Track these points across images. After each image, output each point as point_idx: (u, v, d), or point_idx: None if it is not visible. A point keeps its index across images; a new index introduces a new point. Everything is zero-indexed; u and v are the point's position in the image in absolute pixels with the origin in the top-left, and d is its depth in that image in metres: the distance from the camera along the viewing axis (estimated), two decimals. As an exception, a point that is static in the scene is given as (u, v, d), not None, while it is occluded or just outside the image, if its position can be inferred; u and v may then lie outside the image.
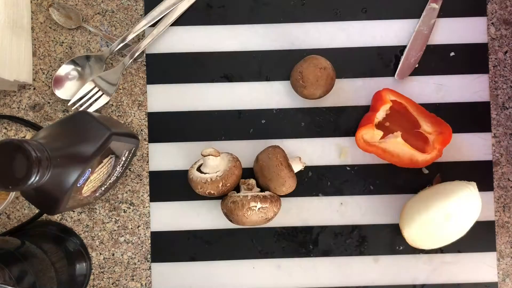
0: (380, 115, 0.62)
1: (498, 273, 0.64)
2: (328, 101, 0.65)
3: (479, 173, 0.64)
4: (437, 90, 0.65)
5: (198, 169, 0.62)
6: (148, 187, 0.65)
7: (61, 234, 0.63)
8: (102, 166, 0.53)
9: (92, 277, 0.64)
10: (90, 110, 0.63)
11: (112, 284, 0.64)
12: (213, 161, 0.60)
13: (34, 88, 0.65)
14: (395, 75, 0.64)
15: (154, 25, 0.65)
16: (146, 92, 0.65)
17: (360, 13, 0.65)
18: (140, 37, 0.65)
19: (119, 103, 0.65)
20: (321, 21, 0.65)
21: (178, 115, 0.65)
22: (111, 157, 0.54)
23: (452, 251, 0.64)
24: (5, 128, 0.65)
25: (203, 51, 0.65)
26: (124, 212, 0.65)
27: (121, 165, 0.59)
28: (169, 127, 0.65)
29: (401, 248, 0.64)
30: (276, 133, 0.65)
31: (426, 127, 0.62)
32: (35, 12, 0.65)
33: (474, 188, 0.60)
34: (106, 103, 0.64)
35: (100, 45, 0.65)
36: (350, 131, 0.65)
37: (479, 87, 0.65)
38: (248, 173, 0.64)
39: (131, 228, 0.65)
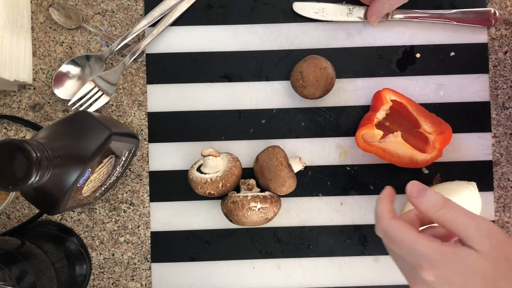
0: (380, 115, 0.62)
1: (498, 273, 0.64)
2: (328, 101, 0.65)
3: (479, 173, 0.64)
4: (437, 90, 0.65)
5: (198, 169, 0.62)
6: (148, 187, 0.65)
7: (61, 234, 0.63)
8: (102, 166, 0.53)
9: (92, 277, 0.64)
10: (90, 110, 0.63)
11: (112, 284, 0.64)
12: (213, 161, 0.60)
13: (34, 88, 0.65)
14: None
15: (154, 25, 0.65)
16: (146, 92, 0.65)
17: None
18: (140, 37, 0.65)
19: (119, 103, 0.65)
20: (321, 21, 0.65)
21: (178, 115, 0.65)
22: (111, 157, 0.54)
23: (452, 251, 0.64)
24: (5, 128, 0.65)
25: (203, 51, 0.65)
26: (124, 212, 0.65)
27: (121, 165, 0.59)
28: (169, 127, 0.65)
29: (401, 248, 0.64)
30: (276, 133, 0.65)
31: (426, 127, 0.62)
32: (35, 12, 0.65)
33: (474, 188, 0.61)
34: (106, 103, 0.64)
35: (100, 45, 0.65)
36: (350, 131, 0.65)
37: (479, 87, 0.65)
38: (248, 173, 0.64)
39: (131, 228, 0.65)
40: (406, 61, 0.65)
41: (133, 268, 0.64)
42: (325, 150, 0.65)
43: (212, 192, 0.60)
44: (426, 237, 0.42)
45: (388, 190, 0.47)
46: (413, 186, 0.45)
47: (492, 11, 0.64)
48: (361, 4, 0.64)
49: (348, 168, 0.65)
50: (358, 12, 0.64)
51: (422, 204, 0.43)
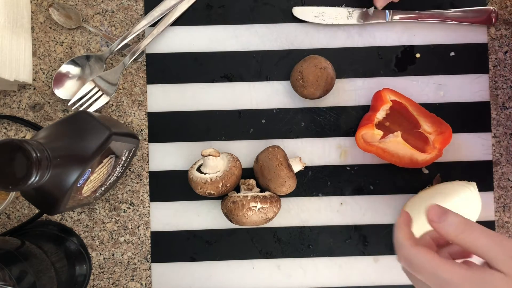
0: (380, 115, 0.62)
1: (498, 273, 0.64)
2: (328, 101, 0.65)
3: (479, 173, 0.64)
4: (437, 90, 0.65)
5: (198, 169, 0.62)
6: (148, 187, 0.65)
7: (61, 234, 0.63)
8: (102, 166, 0.53)
9: (92, 277, 0.64)
10: (90, 110, 0.63)
11: (112, 284, 0.64)
12: (213, 161, 0.60)
13: (34, 88, 0.65)
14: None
15: (154, 25, 0.65)
16: (146, 92, 0.65)
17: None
18: (140, 37, 0.65)
19: (119, 103, 0.65)
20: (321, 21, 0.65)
21: (178, 115, 0.65)
22: (111, 157, 0.54)
23: (452, 251, 0.64)
24: (5, 128, 0.65)
25: (203, 51, 0.65)
26: (124, 212, 0.65)
27: (121, 165, 0.59)
28: (169, 127, 0.65)
29: (401, 248, 0.64)
30: (276, 133, 0.65)
31: (426, 127, 0.62)
32: (35, 12, 0.65)
33: (474, 188, 0.61)
34: (106, 103, 0.64)
35: (100, 45, 0.65)
36: (350, 131, 0.65)
37: (479, 87, 0.65)
38: (248, 173, 0.64)
39: (131, 228, 0.65)
40: (406, 61, 0.65)
41: (133, 268, 0.64)
42: (325, 150, 0.65)
43: (212, 192, 0.60)
44: (450, 262, 0.41)
45: (404, 215, 0.46)
46: (433, 210, 0.44)
47: (492, 9, 0.64)
48: (361, 7, 0.64)
49: (348, 168, 0.65)
50: (358, 15, 0.64)
51: (443, 228, 0.43)
